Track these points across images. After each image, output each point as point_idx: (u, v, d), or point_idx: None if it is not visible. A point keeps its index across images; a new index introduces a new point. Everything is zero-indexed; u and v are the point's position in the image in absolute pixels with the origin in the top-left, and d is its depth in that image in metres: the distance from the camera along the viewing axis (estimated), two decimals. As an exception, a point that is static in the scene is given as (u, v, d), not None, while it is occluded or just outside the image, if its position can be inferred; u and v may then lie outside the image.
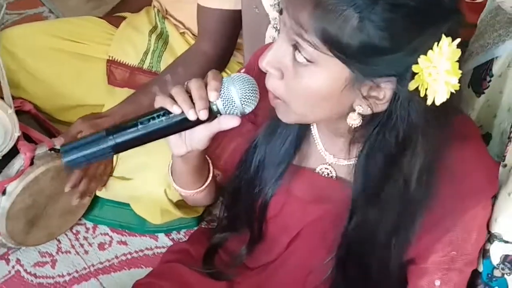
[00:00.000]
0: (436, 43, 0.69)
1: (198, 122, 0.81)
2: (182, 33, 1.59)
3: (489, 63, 1.05)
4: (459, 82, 0.70)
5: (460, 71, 0.69)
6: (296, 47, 0.74)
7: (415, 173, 0.81)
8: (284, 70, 0.77)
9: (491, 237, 0.93)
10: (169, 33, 1.59)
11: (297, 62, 0.75)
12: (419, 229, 0.85)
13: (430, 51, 0.69)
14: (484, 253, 0.95)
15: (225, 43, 1.42)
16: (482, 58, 1.05)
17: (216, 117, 0.83)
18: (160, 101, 0.82)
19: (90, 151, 0.80)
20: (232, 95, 0.81)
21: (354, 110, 0.78)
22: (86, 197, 1.40)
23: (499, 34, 1.03)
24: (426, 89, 0.71)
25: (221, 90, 0.81)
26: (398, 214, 0.85)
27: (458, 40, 0.69)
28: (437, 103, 0.71)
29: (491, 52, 1.03)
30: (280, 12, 0.78)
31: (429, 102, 0.71)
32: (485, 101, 1.07)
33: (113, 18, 1.71)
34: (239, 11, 1.34)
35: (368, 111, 0.77)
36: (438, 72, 0.69)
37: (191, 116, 0.80)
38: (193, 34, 1.57)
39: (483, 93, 1.07)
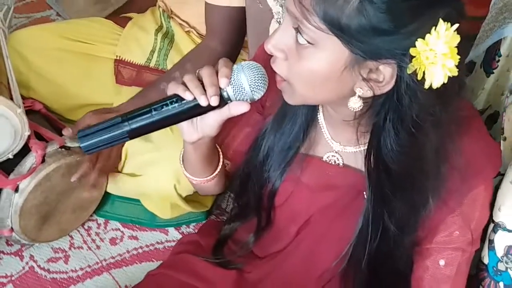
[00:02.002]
0: (434, 27, 0.71)
1: (209, 108, 0.84)
2: (188, 32, 1.61)
3: (498, 44, 1.07)
4: (458, 68, 0.71)
5: (459, 57, 0.71)
6: (298, 29, 0.77)
7: (429, 156, 0.83)
8: (288, 52, 0.80)
9: (495, 227, 0.94)
10: (174, 32, 1.62)
11: (300, 44, 0.78)
12: (428, 211, 0.87)
13: (427, 35, 0.71)
14: (489, 243, 0.96)
15: (233, 40, 1.43)
16: (490, 40, 1.08)
17: (226, 103, 0.86)
18: (173, 88, 0.85)
19: (106, 136, 0.83)
20: (242, 81, 0.84)
21: (355, 94, 0.80)
22: (96, 191, 1.41)
23: (504, 17, 1.05)
24: (424, 73, 0.73)
25: (231, 77, 0.84)
26: (412, 198, 0.87)
27: (457, 25, 0.70)
28: (434, 86, 0.73)
29: (499, 33, 1.06)
30: (284, -1, 0.81)
31: (426, 86, 0.73)
32: (495, 80, 1.09)
33: (120, 18, 1.73)
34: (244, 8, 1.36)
35: (368, 94, 0.79)
36: (435, 55, 0.71)
37: (203, 102, 0.83)
38: (198, 33, 1.59)
39: (493, 72, 1.09)
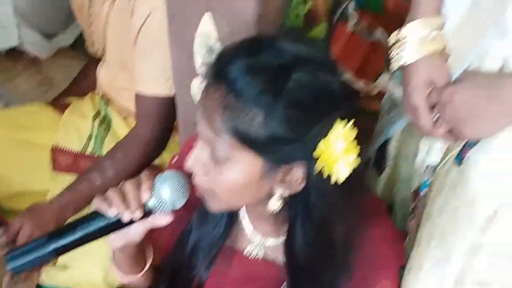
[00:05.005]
0: (331, 128, 0.77)
1: (133, 220, 0.87)
2: (125, 118, 1.63)
3: (386, 144, 1.12)
4: (359, 158, 0.77)
5: (359, 147, 0.77)
6: (213, 148, 0.82)
7: (337, 248, 0.87)
8: (207, 168, 0.85)
9: None
10: (111, 117, 1.64)
11: (216, 161, 0.82)
12: None
13: (328, 136, 0.77)
14: None
15: (161, 128, 1.45)
16: (381, 139, 1.12)
17: (151, 213, 0.88)
18: (97, 204, 0.87)
19: (33, 256, 0.85)
20: (163, 194, 0.87)
21: (275, 194, 0.84)
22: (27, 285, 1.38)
23: (391, 116, 1.10)
24: (330, 170, 0.77)
25: (153, 190, 0.87)
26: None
27: (352, 120, 0.77)
28: (340, 181, 0.78)
29: (386, 133, 1.11)
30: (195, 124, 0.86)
31: (332, 181, 0.78)
32: (387, 179, 1.13)
33: (60, 104, 1.74)
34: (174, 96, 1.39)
35: (286, 193, 0.84)
36: (336, 153, 0.76)
37: (126, 218, 0.86)
38: (137, 118, 1.61)
39: (383, 172, 1.13)
